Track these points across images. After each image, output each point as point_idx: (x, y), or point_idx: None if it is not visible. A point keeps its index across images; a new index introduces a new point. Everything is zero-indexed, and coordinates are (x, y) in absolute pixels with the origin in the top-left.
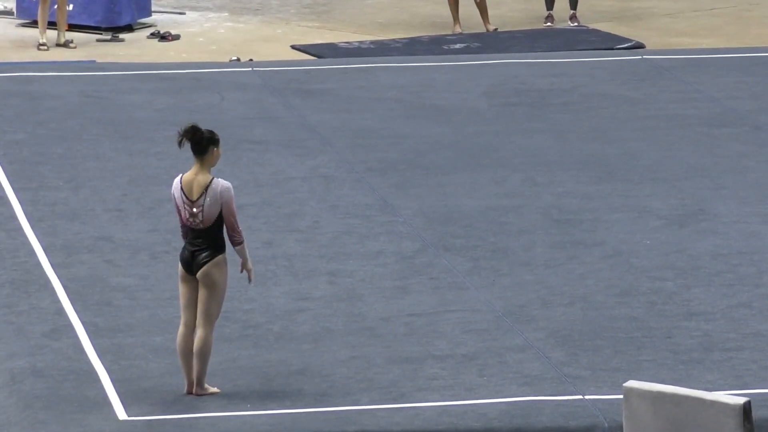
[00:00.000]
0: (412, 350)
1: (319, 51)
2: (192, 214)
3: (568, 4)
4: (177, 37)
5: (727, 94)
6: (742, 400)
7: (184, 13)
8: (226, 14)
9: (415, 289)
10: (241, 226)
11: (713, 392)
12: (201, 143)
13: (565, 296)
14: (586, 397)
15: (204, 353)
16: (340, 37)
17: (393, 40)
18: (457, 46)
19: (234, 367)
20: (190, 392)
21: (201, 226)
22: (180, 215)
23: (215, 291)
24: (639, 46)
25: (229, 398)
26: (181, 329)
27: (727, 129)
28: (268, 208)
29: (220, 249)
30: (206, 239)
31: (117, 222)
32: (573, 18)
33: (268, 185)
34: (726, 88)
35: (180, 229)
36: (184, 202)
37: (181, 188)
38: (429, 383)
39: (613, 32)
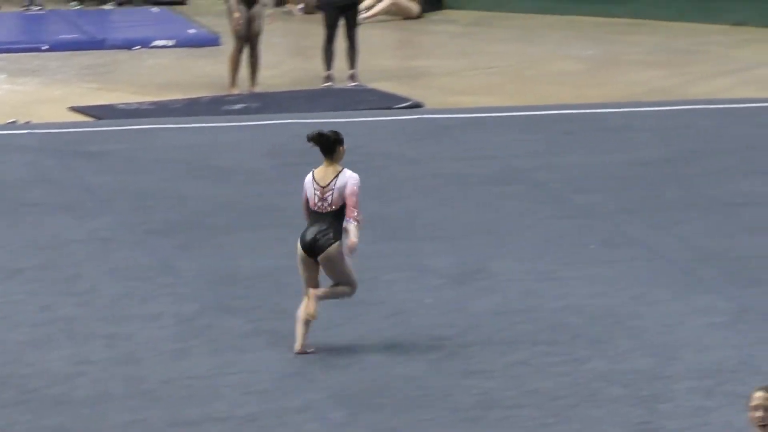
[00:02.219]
0: (192, 413)
1: (98, 112)
2: (321, 198)
3: (347, 64)
4: None
5: (506, 152)
6: None
7: None
8: (4, 76)
9: (195, 351)
10: (20, 290)
11: None
12: (328, 144)
13: (345, 356)
14: None
15: (348, 293)
16: (120, 98)
17: (173, 100)
18: (237, 106)
19: None
20: (299, 353)
21: (329, 209)
22: (309, 202)
23: (340, 266)
24: (418, 105)
25: None
26: (304, 300)
27: (507, 187)
28: (46, 272)
29: (338, 235)
30: (330, 223)
31: None
32: (352, 77)
33: (47, 248)
34: (506, 147)
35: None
36: (315, 189)
37: (313, 179)
38: None
39: (392, 91)
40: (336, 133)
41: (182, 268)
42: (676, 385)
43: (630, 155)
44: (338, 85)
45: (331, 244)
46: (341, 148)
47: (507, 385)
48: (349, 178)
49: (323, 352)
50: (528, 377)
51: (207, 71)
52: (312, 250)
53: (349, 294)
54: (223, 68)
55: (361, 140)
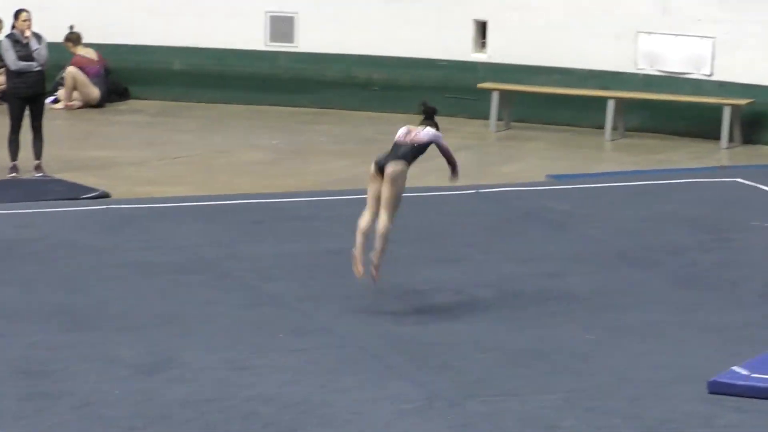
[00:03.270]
0: None
1: None
2: (407, 134)
3: (33, 154)
4: None
5: (193, 242)
6: None
7: None
8: None
9: None
10: None
11: None
12: (428, 113)
13: None
14: None
15: (385, 234)
16: None
17: None
18: None
19: None
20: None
21: (409, 143)
22: (398, 135)
23: (396, 188)
24: (105, 195)
25: None
26: (366, 216)
27: (195, 276)
28: None
29: (407, 162)
30: (406, 151)
31: None
32: (38, 168)
33: None
34: (193, 236)
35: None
36: (404, 132)
37: (406, 131)
38: None
39: (79, 182)
40: (435, 109)
41: None
42: None
43: (318, 244)
44: (24, 176)
45: (401, 166)
46: (435, 122)
47: None
48: (428, 133)
49: None
50: None
51: None
52: (381, 167)
53: (389, 230)
54: None
55: (48, 230)
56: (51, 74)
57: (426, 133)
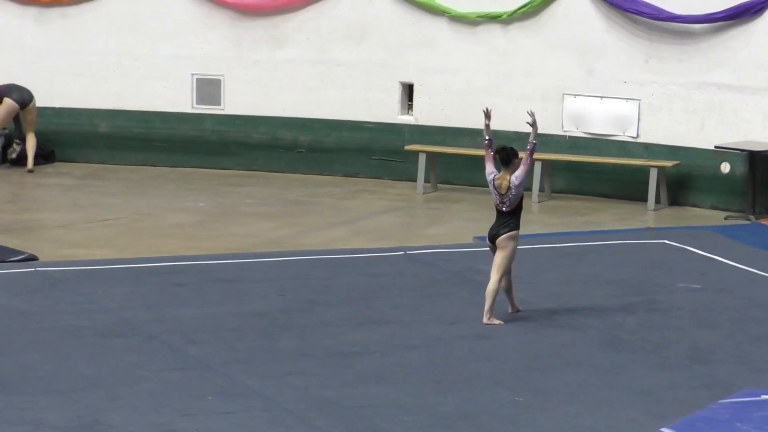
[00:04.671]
0: None
1: None
2: (501, 203)
3: None
4: None
5: (120, 305)
6: None
7: None
8: None
9: None
10: None
11: None
12: (508, 157)
13: None
14: None
15: (491, 292)
16: None
17: None
18: None
19: None
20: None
21: (508, 210)
22: (494, 200)
23: (506, 252)
24: (32, 258)
25: None
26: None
27: (121, 339)
28: None
29: (516, 227)
30: (509, 219)
31: None
32: None
33: None
34: (119, 299)
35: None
36: (495, 194)
37: (494, 185)
38: None
39: (5, 245)
40: (514, 149)
41: None
42: None
43: (244, 306)
44: None
45: (509, 232)
46: (517, 160)
47: None
48: (514, 179)
49: None
50: None
51: None
52: (494, 238)
53: (495, 288)
54: None
55: None
56: None
57: (514, 195)
